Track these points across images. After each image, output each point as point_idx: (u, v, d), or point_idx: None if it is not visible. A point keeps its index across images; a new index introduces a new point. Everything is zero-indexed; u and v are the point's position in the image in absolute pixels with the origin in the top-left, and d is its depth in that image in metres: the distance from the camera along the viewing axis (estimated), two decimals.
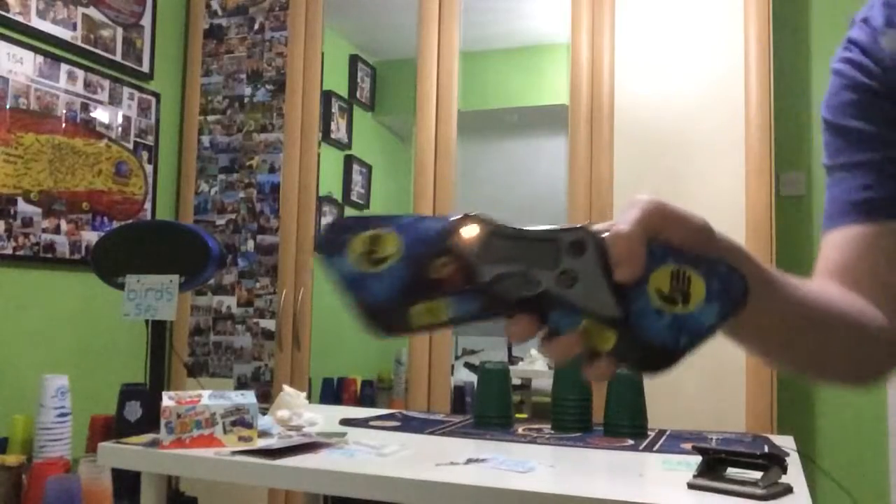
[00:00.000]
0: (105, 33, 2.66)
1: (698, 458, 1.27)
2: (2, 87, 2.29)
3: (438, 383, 2.53)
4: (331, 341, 2.81)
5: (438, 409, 2.48)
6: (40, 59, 2.42)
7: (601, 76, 2.42)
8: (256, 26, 2.91)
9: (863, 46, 0.70)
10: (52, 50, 2.46)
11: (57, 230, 2.46)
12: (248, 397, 1.52)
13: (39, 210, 2.40)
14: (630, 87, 2.40)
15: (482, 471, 1.32)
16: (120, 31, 2.72)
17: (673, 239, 0.49)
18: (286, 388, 1.86)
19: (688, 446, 1.45)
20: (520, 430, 1.70)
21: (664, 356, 0.46)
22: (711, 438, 1.59)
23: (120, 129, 2.71)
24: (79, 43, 2.55)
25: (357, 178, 3.00)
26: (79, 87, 2.55)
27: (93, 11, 2.61)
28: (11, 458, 1.85)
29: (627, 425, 1.64)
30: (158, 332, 1.92)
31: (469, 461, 1.37)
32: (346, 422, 1.79)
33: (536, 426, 1.74)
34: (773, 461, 1.20)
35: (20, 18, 2.35)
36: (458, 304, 0.47)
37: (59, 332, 2.48)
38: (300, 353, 2.70)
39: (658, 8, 2.40)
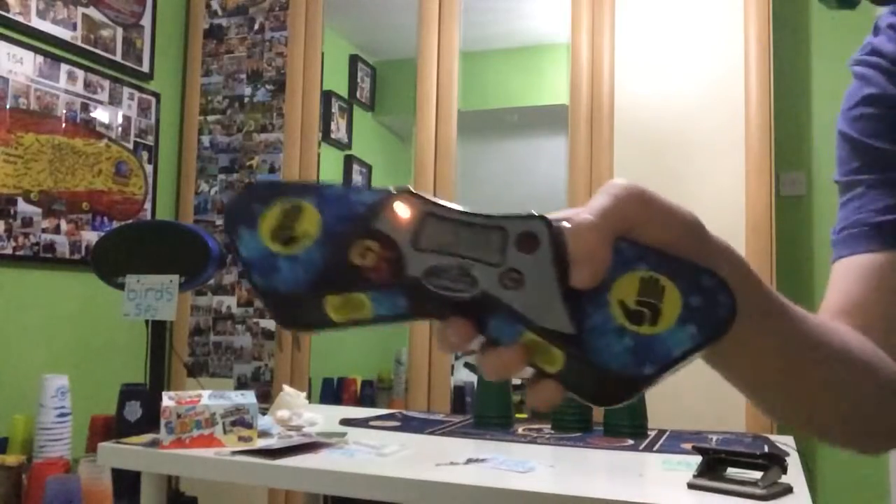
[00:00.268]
0: (105, 33, 2.66)
1: (698, 458, 1.27)
2: (2, 87, 2.29)
3: (438, 383, 2.53)
4: (331, 341, 2.81)
5: (438, 409, 2.48)
6: (40, 59, 2.42)
7: (601, 76, 2.42)
8: (256, 26, 2.91)
9: (894, 57, 0.60)
10: (52, 50, 2.46)
11: (57, 230, 2.46)
12: (248, 397, 1.52)
13: (39, 210, 2.40)
14: (630, 87, 2.40)
15: (482, 471, 1.32)
16: (120, 31, 2.72)
17: (650, 236, 0.39)
18: (286, 388, 1.86)
19: (688, 446, 1.44)
20: (520, 430, 1.70)
21: (621, 386, 0.37)
22: (711, 438, 1.59)
23: (120, 129, 2.71)
24: (79, 43, 2.55)
25: (357, 178, 3.00)
26: (79, 87, 2.55)
27: (93, 11, 2.61)
28: (11, 458, 1.85)
29: (627, 425, 1.64)
30: (158, 332, 1.92)
31: (469, 461, 1.37)
32: (346, 422, 1.79)
33: (536, 426, 1.74)
34: (773, 461, 1.20)
35: (20, 18, 2.35)
36: (382, 300, 0.38)
37: (59, 332, 2.48)
38: (300, 353, 2.70)
39: (658, 8, 2.40)
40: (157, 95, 2.87)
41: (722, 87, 2.31)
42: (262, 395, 2.47)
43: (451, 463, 1.36)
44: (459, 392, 2.61)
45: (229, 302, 2.84)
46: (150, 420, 1.71)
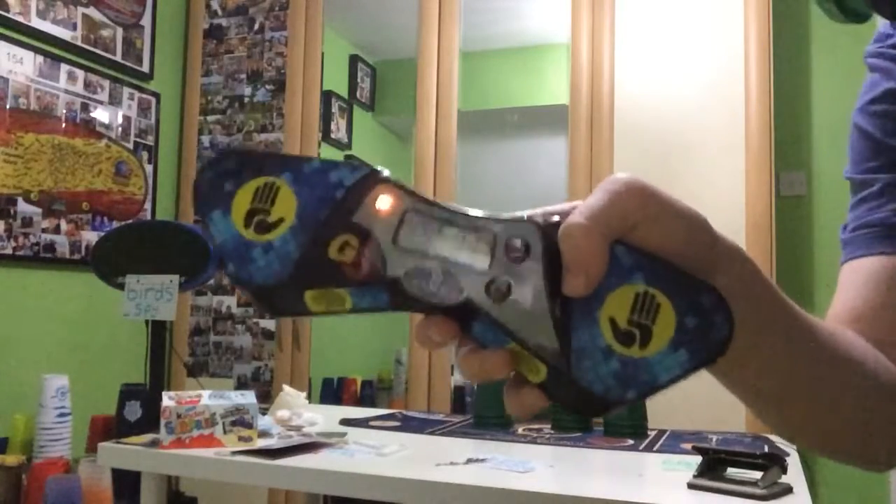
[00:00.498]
0: (105, 33, 2.66)
1: (698, 458, 1.27)
2: (2, 87, 2.29)
3: (438, 383, 2.53)
4: (331, 341, 2.81)
5: (438, 409, 2.48)
6: (40, 59, 2.42)
7: (601, 76, 2.42)
8: (256, 26, 2.91)
9: None
10: (52, 50, 2.46)
11: (57, 230, 2.46)
12: (248, 397, 1.52)
13: (39, 210, 2.40)
14: (630, 87, 2.40)
15: (482, 471, 1.32)
16: (120, 31, 2.72)
17: (652, 237, 0.36)
18: (286, 388, 1.86)
19: (688, 446, 1.44)
20: (520, 430, 1.70)
21: (603, 405, 0.36)
22: (711, 438, 1.59)
23: (120, 129, 2.71)
24: (79, 43, 2.55)
25: None
26: (79, 87, 2.55)
27: (93, 11, 2.61)
28: (11, 458, 1.85)
29: (627, 425, 1.64)
30: (158, 332, 1.92)
31: (469, 461, 1.37)
32: (346, 422, 1.79)
33: (536, 426, 1.74)
34: (773, 461, 1.20)
35: (20, 18, 2.35)
36: (362, 295, 0.36)
37: (59, 332, 2.48)
38: (300, 353, 2.70)
39: (658, 8, 2.40)
40: (157, 95, 2.87)
41: (722, 87, 2.31)
42: (262, 395, 2.47)
43: (451, 463, 1.36)
44: (459, 392, 2.61)
45: (229, 302, 2.84)
46: (150, 420, 1.71)
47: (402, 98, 2.78)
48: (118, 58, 2.70)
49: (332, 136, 2.92)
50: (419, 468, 1.34)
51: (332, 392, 2.82)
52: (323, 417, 1.78)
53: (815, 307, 2.47)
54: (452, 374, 2.57)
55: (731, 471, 1.25)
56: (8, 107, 2.31)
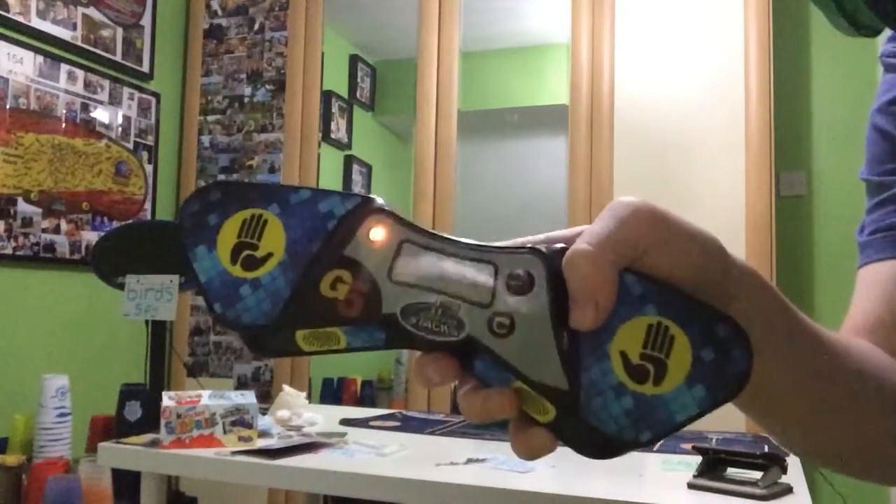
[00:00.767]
0: (105, 33, 2.66)
1: (698, 458, 1.27)
2: (2, 87, 2.29)
3: None
4: None
5: (438, 409, 2.48)
6: (40, 59, 2.42)
7: (601, 76, 2.42)
8: (256, 26, 2.91)
9: None
10: (52, 50, 2.46)
11: (57, 230, 2.46)
12: (248, 397, 1.52)
13: (39, 210, 2.40)
14: (630, 87, 2.40)
15: (482, 471, 1.32)
16: (120, 31, 2.72)
17: (663, 264, 0.34)
18: (286, 388, 1.86)
19: (688, 446, 1.44)
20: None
21: (615, 446, 0.33)
22: (711, 438, 1.59)
23: (120, 129, 2.71)
24: (79, 43, 2.55)
25: (357, 178, 3.00)
26: (79, 87, 2.55)
27: (93, 11, 2.61)
28: (11, 458, 1.85)
29: None
30: (158, 332, 1.92)
31: (469, 461, 1.37)
32: (346, 422, 1.79)
33: None
34: (773, 461, 1.20)
35: (20, 18, 2.35)
36: (357, 333, 0.34)
37: (59, 332, 2.48)
38: None
39: (658, 8, 2.40)
40: (157, 95, 2.87)
41: (722, 87, 2.31)
42: (262, 395, 2.47)
43: (451, 463, 1.36)
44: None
45: None
46: (150, 420, 1.71)
47: (402, 98, 2.78)
48: (118, 58, 2.70)
49: (332, 136, 2.92)
50: (419, 468, 1.34)
51: (332, 392, 2.82)
52: (323, 417, 1.78)
53: (815, 307, 2.47)
54: None
55: (731, 471, 1.26)
56: (8, 107, 2.31)
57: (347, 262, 0.34)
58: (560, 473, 1.35)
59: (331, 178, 2.89)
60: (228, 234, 0.35)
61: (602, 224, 0.33)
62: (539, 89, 2.88)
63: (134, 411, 1.87)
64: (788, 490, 1.20)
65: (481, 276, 0.34)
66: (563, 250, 0.34)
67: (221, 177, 2.91)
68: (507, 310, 0.33)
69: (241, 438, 1.47)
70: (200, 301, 2.86)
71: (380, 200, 0.35)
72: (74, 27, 2.54)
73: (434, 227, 2.46)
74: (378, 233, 0.35)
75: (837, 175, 2.51)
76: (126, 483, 1.79)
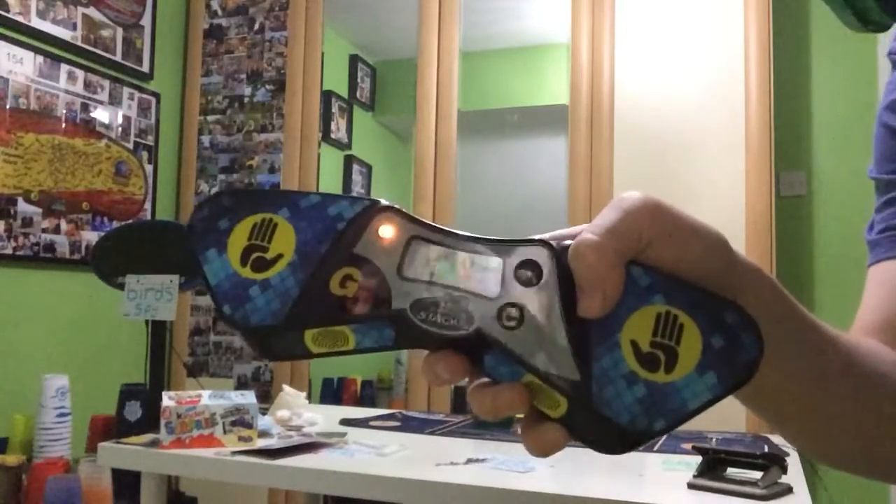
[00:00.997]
0: (105, 33, 2.66)
1: (698, 458, 1.27)
2: (2, 87, 2.29)
3: None
4: None
5: (438, 409, 2.48)
6: (40, 59, 2.42)
7: (601, 76, 2.42)
8: (256, 26, 2.91)
9: None
10: (52, 50, 2.46)
11: (57, 230, 2.46)
12: (248, 397, 1.52)
13: (39, 210, 2.40)
14: (630, 87, 2.40)
15: (482, 471, 1.32)
16: (120, 31, 2.72)
17: (667, 257, 0.34)
18: (286, 388, 1.86)
19: (688, 446, 1.44)
20: (520, 431, 1.69)
21: (628, 438, 0.33)
22: (711, 438, 1.59)
23: (120, 129, 2.71)
24: (79, 43, 2.55)
25: (357, 178, 3.00)
26: (79, 87, 2.55)
27: (93, 11, 2.61)
28: (11, 458, 1.85)
29: None
30: (158, 332, 1.91)
31: (469, 461, 1.37)
32: (346, 422, 1.79)
33: None
34: (773, 461, 1.20)
35: (20, 18, 2.35)
36: (366, 332, 0.35)
37: (59, 332, 2.48)
38: None
39: (658, 8, 2.40)
40: (157, 95, 2.87)
41: (722, 87, 2.31)
42: (262, 395, 2.47)
43: (451, 463, 1.36)
44: (459, 392, 2.61)
45: None
46: (150, 420, 1.71)
47: (402, 98, 2.78)
48: (118, 58, 2.70)
49: (332, 136, 2.92)
50: (419, 468, 1.34)
51: (332, 392, 2.82)
52: (323, 417, 1.78)
53: (816, 307, 2.47)
54: None
55: (731, 471, 1.25)
56: (8, 107, 2.31)
57: (357, 259, 0.34)
58: (560, 473, 1.35)
59: (331, 178, 2.89)
60: (239, 238, 0.35)
61: (607, 216, 0.34)
62: (539, 89, 2.88)
63: (134, 411, 1.87)
64: (788, 490, 1.20)
65: (490, 269, 0.34)
66: (564, 240, 0.34)
67: (221, 177, 2.91)
68: (516, 301, 0.33)
69: (241, 438, 1.47)
70: (200, 301, 2.87)
71: (389, 203, 0.36)
72: (74, 27, 2.54)
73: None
74: (387, 230, 0.35)
75: (837, 175, 2.51)
76: (126, 483, 1.79)
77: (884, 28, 0.54)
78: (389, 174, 3.12)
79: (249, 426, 1.49)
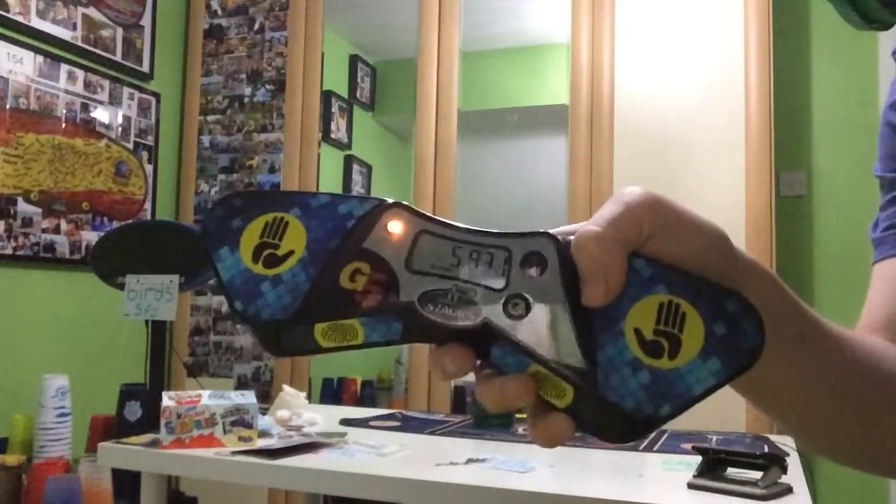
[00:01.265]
0: (105, 33, 2.66)
1: (698, 458, 1.27)
2: (2, 87, 2.29)
3: (438, 383, 2.53)
4: None
5: (438, 409, 2.48)
6: (40, 59, 2.42)
7: (601, 76, 2.42)
8: (256, 26, 2.91)
9: None
10: (52, 50, 2.46)
11: (57, 230, 2.46)
12: (248, 397, 1.52)
13: (39, 210, 2.40)
14: (630, 87, 2.40)
15: (482, 471, 1.32)
16: (120, 31, 2.72)
17: (668, 249, 0.34)
18: (286, 388, 1.86)
19: (688, 446, 1.44)
20: (520, 430, 1.69)
21: (634, 425, 0.33)
22: (711, 438, 1.59)
23: (120, 129, 2.71)
24: (79, 43, 2.55)
25: (357, 178, 3.00)
26: (79, 87, 2.55)
27: (93, 11, 2.61)
28: (11, 458, 1.85)
29: None
30: (158, 332, 1.91)
31: (469, 461, 1.37)
32: (346, 422, 1.79)
33: None
34: (773, 461, 1.20)
35: (20, 18, 2.35)
36: (374, 325, 0.35)
37: (59, 332, 2.48)
38: None
39: (658, 8, 2.40)
40: (157, 95, 2.87)
41: (722, 87, 2.31)
42: (262, 395, 2.47)
43: (451, 463, 1.36)
44: (459, 392, 2.61)
45: None
46: (150, 420, 1.71)
47: (402, 98, 2.78)
48: (118, 58, 2.70)
49: (332, 136, 2.92)
50: (419, 468, 1.34)
51: (332, 392, 2.82)
52: (323, 417, 1.78)
53: (816, 307, 2.44)
54: None
55: (731, 471, 1.25)
56: (8, 107, 2.31)
57: (366, 254, 0.35)
58: (560, 473, 1.35)
59: (331, 178, 2.89)
60: (251, 236, 0.36)
61: (608, 209, 0.34)
62: (539, 89, 2.88)
63: (134, 411, 1.87)
64: (788, 490, 1.20)
65: (496, 260, 0.35)
66: (568, 235, 0.35)
67: (221, 177, 2.91)
68: (522, 292, 0.34)
69: (241, 438, 1.47)
70: (200, 301, 2.87)
71: (398, 201, 0.37)
72: (74, 27, 2.54)
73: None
74: (395, 225, 0.36)
75: (837, 175, 2.51)
76: (126, 483, 1.79)
77: (887, 26, 0.53)
78: (389, 174, 3.12)
79: (249, 426, 1.48)
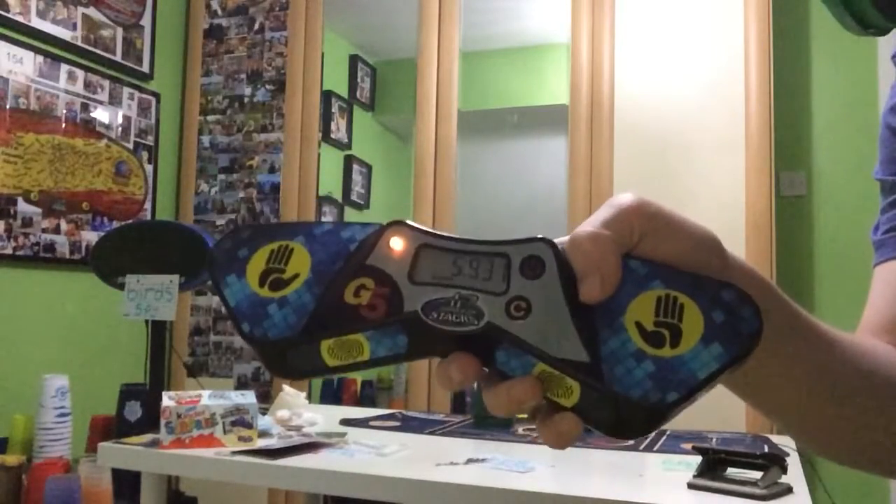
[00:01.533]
0: (105, 33, 2.66)
1: (698, 458, 1.27)
2: (2, 87, 2.29)
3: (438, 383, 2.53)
4: None
5: (438, 409, 2.48)
6: (40, 59, 2.42)
7: (601, 76, 2.42)
8: (256, 26, 2.91)
9: None
10: (52, 50, 2.46)
11: (57, 230, 2.46)
12: (248, 397, 1.52)
13: (39, 210, 2.40)
14: (630, 87, 2.40)
15: (482, 471, 1.32)
16: (120, 31, 2.72)
17: (660, 250, 0.36)
18: (286, 388, 1.86)
19: (688, 446, 1.44)
20: (520, 430, 1.69)
21: (643, 416, 0.34)
22: (711, 438, 1.59)
23: (120, 129, 2.71)
24: (79, 43, 2.55)
25: (357, 178, 3.00)
26: (79, 87, 2.55)
27: (93, 11, 2.61)
28: (11, 458, 1.85)
29: None
30: (158, 332, 1.91)
31: (469, 461, 1.37)
32: (346, 422, 1.79)
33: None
34: (773, 461, 1.20)
35: (20, 18, 2.35)
36: (380, 339, 0.36)
37: (59, 332, 2.48)
38: None
39: (658, 8, 2.40)
40: (157, 95, 2.87)
41: (722, 87, 2.31)
42: (262, 395, 2.47)
43: (451, 463, 1.36)
44: (459, 392, 2.61)
45: None
46: (150, 420, 1.71)
47: (402, 98, 2.78)
48: (118, 58, 2.70)
49: (332, 136, 2.92)
50: (419, 468, 1.34)
51: (332, 392, 2.82)
52: (323, 417, 1.78)
53: (815, 307, 2.47)
54: None
55: (731, 471, 1.25)
56: (8, 107, 2.31)
57: (370, 270, 0.36)
58: (560, 473, 1.35)
59: (331, 178, 2.89)
60: (257, 263, 0.38)
61: (600, 213, 0.36)
62: (539, 89, 2.88)
63: (134, 411, 1.87)
64: (788, 490, 1.20)
65: (496, 267, 0.36)
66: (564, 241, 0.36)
67: (221, 177, 2.91)
68: (523, 293, 0.35)
69: (241, 438, 1.47)
70: (200, 301, 2.87)
71: (399, 219, 0.38)
72: (74, 27, 2.54)
73: (434, 227, 2.46)
74: (397, 242, 0.37)
75: (837, 175, 2.51)
76: (126, 483, 1.79)
77: (884, 32, 0.54)
78: (389, 174, 3.12)
79: (249, 426, 1.49)
